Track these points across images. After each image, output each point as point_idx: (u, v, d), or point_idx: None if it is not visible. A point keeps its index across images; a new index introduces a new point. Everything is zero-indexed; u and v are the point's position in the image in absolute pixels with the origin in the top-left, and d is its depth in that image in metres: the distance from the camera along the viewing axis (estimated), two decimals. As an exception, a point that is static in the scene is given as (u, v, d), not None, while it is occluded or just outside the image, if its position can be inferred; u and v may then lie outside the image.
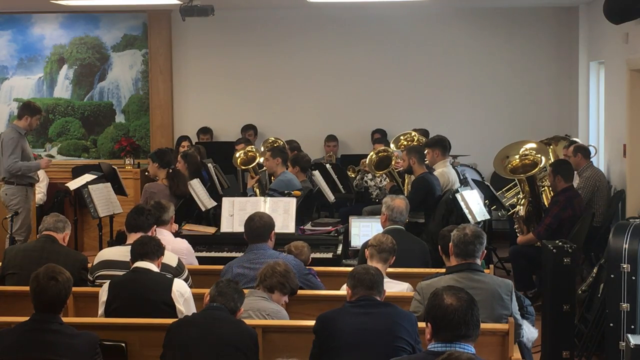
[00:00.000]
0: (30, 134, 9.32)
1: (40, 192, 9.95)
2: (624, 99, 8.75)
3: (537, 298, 7.93)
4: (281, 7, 11.63)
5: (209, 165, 8.82)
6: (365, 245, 5.79)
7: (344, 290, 4.93)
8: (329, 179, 9.44)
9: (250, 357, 4.43)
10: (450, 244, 4.95)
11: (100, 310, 5.12)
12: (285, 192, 7.93)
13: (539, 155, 8.32)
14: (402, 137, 9.76)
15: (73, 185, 8.59)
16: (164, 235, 6.08)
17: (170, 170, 7.97)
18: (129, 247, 5.35)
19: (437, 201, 7.95)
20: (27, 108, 8.90)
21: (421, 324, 4.33)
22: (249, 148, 9.33)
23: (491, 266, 6.26)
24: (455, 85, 11.65)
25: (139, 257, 5.14)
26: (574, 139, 9.89)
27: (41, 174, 9.40)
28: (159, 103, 11.94)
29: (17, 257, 5.92)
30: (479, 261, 4.90)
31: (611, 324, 5.76)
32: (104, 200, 8.32)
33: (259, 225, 5.94)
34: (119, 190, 9.02)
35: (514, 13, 11.55)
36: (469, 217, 7.61)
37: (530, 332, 5.18)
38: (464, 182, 8.92)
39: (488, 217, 8.30)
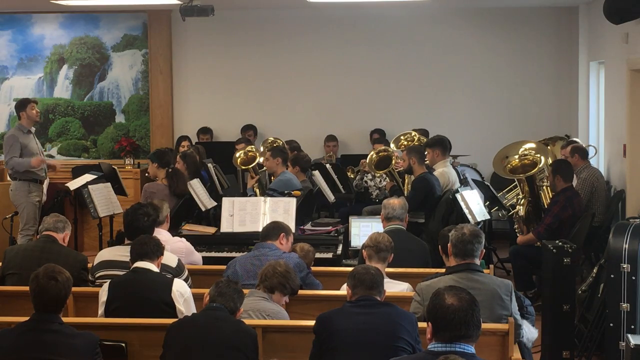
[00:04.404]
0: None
1: (42, 191, 9.97)
2: (624, 99, 8.75)
3: (537, 298, 7.93)
4: (281, 7, 11.63)
5: (209, 165, 8.82)
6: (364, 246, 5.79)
7: (344, 290, 4.93)
8: (329, 179, 9.44)
9: (250, 357, 4.42)
10: (449, 244, 4.95)
11: (100, 310, 5.12)
12: (285, 192, 7.93)
13: (538, 155, 8.32)
14: (402, 137, 9.77)
15: (73, 185, 8.61)
16: (163, 235, 6.07)
17: (170, 170, 7.97)
18: (128, 247, 5.36)
19: (437, 201, 7.96)
20: (18, 106, 9.16)
21: (422, 324, 4.34)
22: (249, 148, 9.32)
23: (491, 266, 6.25)
24: (455, 85, 11.66)
25: (139, 257, 5.14)
26: (574, 138, 9.89)
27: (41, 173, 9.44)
28: (159, 103, 11.94)
29: (17, 257, 5.92)
30: (478, 261, 4.90)
31: (611, 324, 5.76)
32: (104, 200, 8.33)
33: (268, 226, 6.09)
34: (119, 190, 9.03)
35: (514, 13, 11.55)
36: (469, 217, 7.61)
37: (530, 332, 5.17)
38: (464, 182, 8.92)
39: (488, 217, 8.30)
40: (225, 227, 7.46)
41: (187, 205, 7.93)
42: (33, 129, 9.20)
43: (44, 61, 11.97)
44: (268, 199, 7.59)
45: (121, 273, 5.31)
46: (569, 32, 11.38)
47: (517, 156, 8.40)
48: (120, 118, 12.03)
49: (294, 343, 4.79)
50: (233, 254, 7.04)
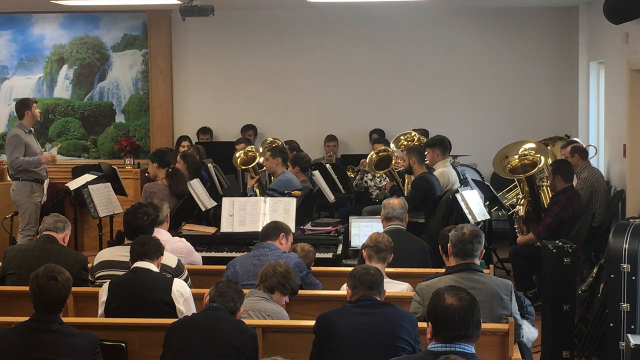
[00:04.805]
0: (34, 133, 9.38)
1: (43, 191, 9.98)
2: (624, 99, 8.75)
3: (537, 298, 7.93)
4: (281, 7, 11.63)
5: (209, 165, 8.82)
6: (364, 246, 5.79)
7: (344, 290, 4.93)
8: (329, 179, 9.44)
9: (250, 357, 4.42)
10: (449, 244, 4.95)
11: (100, 310, 5.12)
12: (285, 192, 7.93)
13: (538, 156, 8.32)
14: (402, 137, 9.77)
15: (73, 185, 8.61)
16: (162, 235, 6.07)
17: (170, 170, 7.97)
18: (128, 247, 5.36)
19: (437, 201, 7.96)
20: (21, 104, 9.13)
21: (422, 324, 4.34)
22: (249, 148, 9.32)
23: (491, 266, 6.25)
24: (456, 85, 11.66)
25: (139, 257, 5.14)
26: (574, 138, 9.89)
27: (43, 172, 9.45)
28: (159, 103, 11.94)
29: (17, 257, 5.92)
30: (477, 261, 4.90)
31: (611, 324, 5.76)
32: (104, 200, 8.33)
33: (267, 226, 6.09)
34: (119, 190, 9.03)
35: (514, 13, 11.56)
36: (469, 217, 7.61)
37: (530, 332, 5.17)
38: (464, 182, 8.92)
39: (488, 217, 8.30)
40: (225, 227, 7.46)
41: (187, 205, 7.93)
42: (32, 129, 9.21)
43: (44, 61, 11.97)
44: (268, 199, 7.58)
45: (121, 273, 5.30)
46: (569, 32, 11.38)
47: (517, 156, 8.40)
48: (120, 118, 12.03)
49: (294, 343, 4.79)
50: (233, 254, 7.04)
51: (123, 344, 4.78)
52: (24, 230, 8.87)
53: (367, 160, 9.08)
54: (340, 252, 7.33)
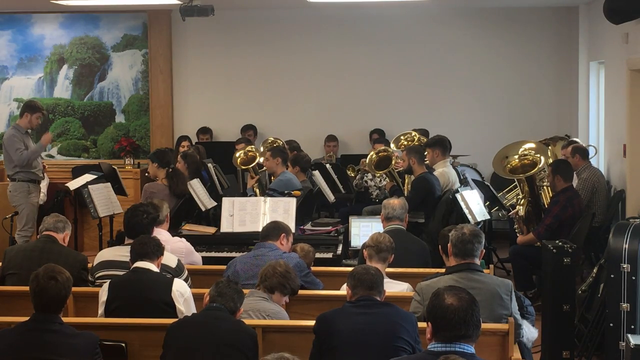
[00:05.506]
0: (32, 134, 9.38)
1: (40, 192, 9.99)
2: (624, 99, 8.75)
3: (537, 298, 7.93)
4: (281, 7, 11.63)
5: (209, 165, 8.83)
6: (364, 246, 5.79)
7: (344, 290, 4.94)
8: (329, 179, 9.44)
9: (250, 357, 4.42)
10: (449, 244, 4.95)
11: (100, 310, 5.12)
12: (285, 192, 7.93)
13: (538, 155, 8.32)
14: (402, 137, 9.77)
15: (73, 185, 8.61)
16: (162, 235, 6.07)
17: (170, 170, 7.97)
18: (128, 247, 5.36)
19: (437, 201, 7.96)
20: (27, 106, 9.18)
21: (421, 324, 4.34)
22: (249, 148, 9.32)
23: (491, 266, 6.25)
24: (456, 85, 11.66)
25: (139, 257, 5.14)
26: (574, 138, 9.89)
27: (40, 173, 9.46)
28: (159, 103, 11.94)
29: (17, 257, 5.92)
30: (477, 261, 4.90)
31: (611, 324, 5.76)
32: (104, 200, 8.34)
33: (268, 226, 6.10)
34: (119, 190, 9.04)
35: (514, 13, 11.56)
36: (469, 217, 7.61)
37: (530, 332, 5.18)
38: (464, 182, 8.92)
39: (488, 217, 8.30)
40: (225, 227, 7.46)
41: (187, 205, 7.93)
42: (29, 131, 9.22)
43: (44, 61, 11.97)
44: (268, 199, 7.59)
45: (121, 273, 5.31)
46: (569, 32, 11.38)
47: (517, 156, 8.39)
48: (120, 118, 12.04)
49: (294, 343, 4.78)
50: (233, 254, 7.04)
51: (123, 344, 4.79)
52: (22, 231, 8.87)
53: (367, 160, 9.08)
54: (340, 252, 7.34)
